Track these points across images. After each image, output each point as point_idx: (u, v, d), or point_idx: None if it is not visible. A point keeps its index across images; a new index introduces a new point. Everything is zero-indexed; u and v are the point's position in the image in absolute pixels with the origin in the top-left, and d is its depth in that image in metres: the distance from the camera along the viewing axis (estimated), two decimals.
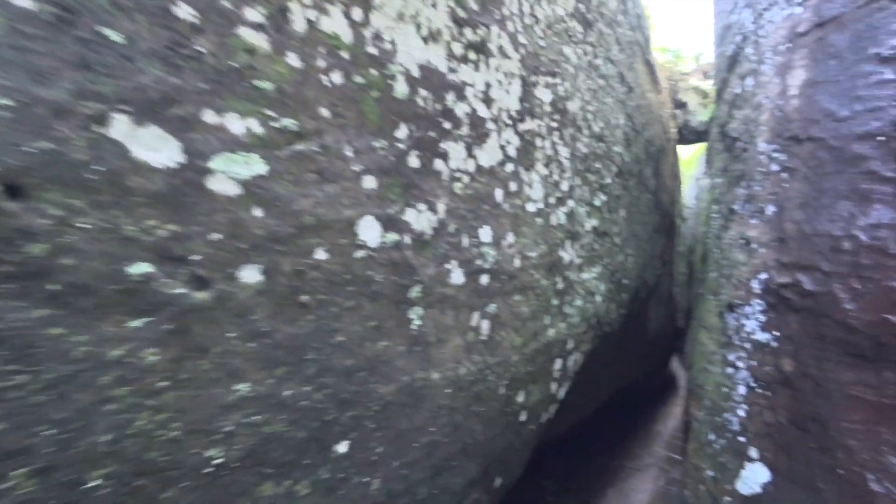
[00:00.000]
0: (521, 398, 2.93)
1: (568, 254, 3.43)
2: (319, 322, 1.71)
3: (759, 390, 2.53)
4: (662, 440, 8.28)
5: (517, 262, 2.80)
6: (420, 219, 2.14)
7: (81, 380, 1.15)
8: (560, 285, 3.30)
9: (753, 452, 2.41)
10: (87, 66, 1.16)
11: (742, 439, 2.51)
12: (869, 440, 1.98)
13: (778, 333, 2.55)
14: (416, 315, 2.11)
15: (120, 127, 1.21)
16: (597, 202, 4.13)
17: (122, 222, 1.22)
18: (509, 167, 2.81)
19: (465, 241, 2.39)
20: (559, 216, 3.34)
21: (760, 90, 3.39)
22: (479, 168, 2.55)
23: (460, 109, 2.42)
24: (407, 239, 2.06)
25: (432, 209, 2.20)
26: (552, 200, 3.27)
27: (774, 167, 2.96)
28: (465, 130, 2.45)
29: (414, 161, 2.12)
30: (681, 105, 10.73)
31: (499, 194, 2.69)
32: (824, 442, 2.12)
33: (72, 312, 1.14)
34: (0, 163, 1.03)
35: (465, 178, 2.44)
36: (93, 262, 1.17)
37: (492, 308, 2.59)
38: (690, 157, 13.08)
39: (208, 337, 1.39)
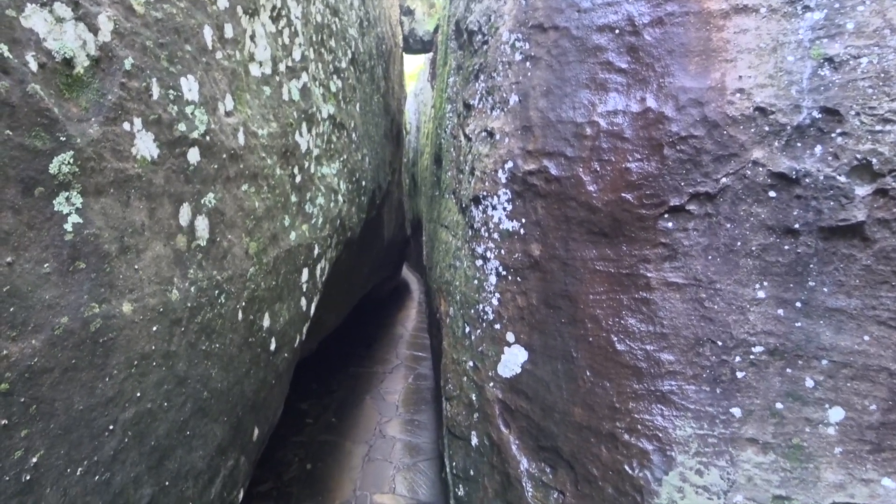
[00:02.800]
0: (266, 322, 2.29)
1: (305, 140, 2.80)
2: None
3: (510, 277, 2.51)
4: (405, 341, 8.78)
5: (241, 139, 2.05)
6: (61, 32, 1.21)
7: None
8: (298, 178, 2.67)
9: (510, 337, 2.41)
10: None
11: (498, 326, 2.48)
12: (611, 307, 2.11)
13: (525, 220, 2.55)
14: (68, 207, 1.24)
15: None
16: (333, 87, 3.53)
17: None
18: (223, 1, 1.96)
19: (157, 91, 1.54)
20: (292, 90, 2.65)
21: None
22: None
23: None
24: (31, 62, 1.14)
25: (87, 22, 1.28)
26: (282, 68, 2.54)
27: (518, 56, 2.88)
28: None
29: None
30: (408, 12, 10.55)
31: (209, 35, 1.85)
32: (574, 315, 2.20)
33: None
34: None
35: None
36: None
37: (210, 199, 1.83)
38: (411, 74, 13.35)
39: None
